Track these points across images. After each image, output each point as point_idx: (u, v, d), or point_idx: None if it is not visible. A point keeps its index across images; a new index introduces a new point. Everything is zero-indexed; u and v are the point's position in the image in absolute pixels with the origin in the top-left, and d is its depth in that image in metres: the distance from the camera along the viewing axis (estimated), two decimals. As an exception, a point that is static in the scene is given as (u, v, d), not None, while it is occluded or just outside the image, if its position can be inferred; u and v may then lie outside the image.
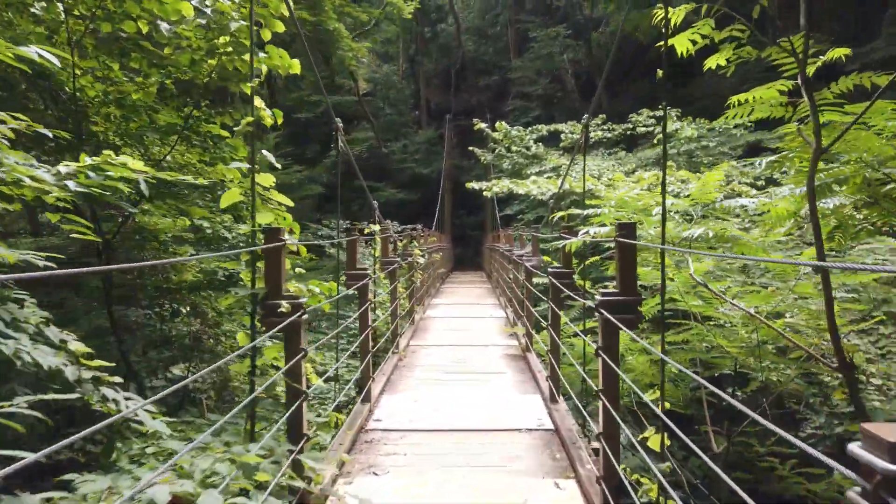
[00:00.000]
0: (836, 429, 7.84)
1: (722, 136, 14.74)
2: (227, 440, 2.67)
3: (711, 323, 5.89)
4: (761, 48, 2.89)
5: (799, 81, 3.03)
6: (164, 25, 4.29)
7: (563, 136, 16.36)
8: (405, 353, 6.81)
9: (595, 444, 3.92)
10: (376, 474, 3.46)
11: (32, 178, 2.23)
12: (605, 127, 15.94)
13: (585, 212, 4.68)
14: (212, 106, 5.08)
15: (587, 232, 4.05)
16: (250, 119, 2.87)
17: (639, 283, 3.68)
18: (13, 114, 2.48)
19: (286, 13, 4.17)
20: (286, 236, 4.58)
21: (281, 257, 2.69)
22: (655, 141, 14.26)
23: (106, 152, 2.49)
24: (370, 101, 29.63)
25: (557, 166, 14.98)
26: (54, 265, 2.59)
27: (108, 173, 2.43)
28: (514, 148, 16.98)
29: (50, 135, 2.65)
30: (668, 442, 2.64)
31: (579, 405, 4.31)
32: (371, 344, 4.87)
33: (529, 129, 17.24)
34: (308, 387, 2.88)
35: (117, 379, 3.11)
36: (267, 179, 2.93)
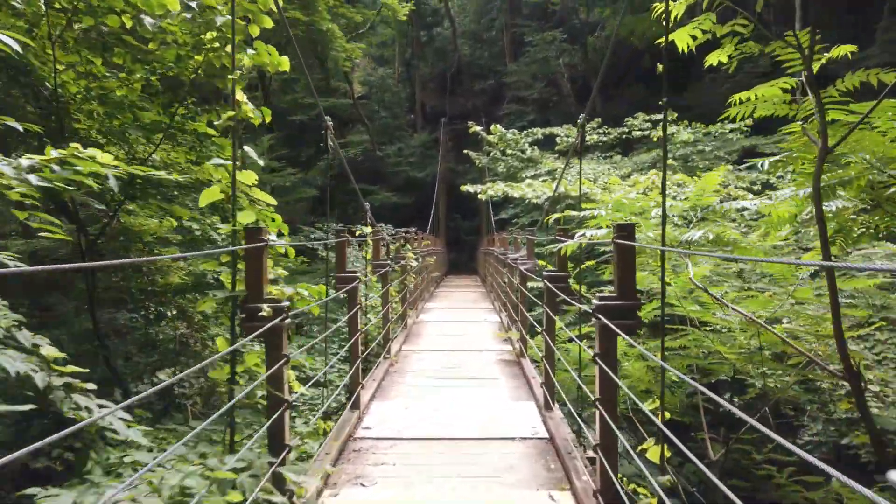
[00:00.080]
0: (832, 435, 7.75)
1: (717, 141, 14.70)
2: (204, 451, 2.52)
3: (708, 328, 5.78)
4: (764, 44, 2.79)
5: (803, 79, 2.93)
6: (148, 20, 4.16)
7: (558, 139, 16.29)
8: (397, 358, 6.67)
9: (591, 454, 3.80)
10: (364, 485, 3.32)
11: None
12: (600, 130, 15.88)
13: (582, 214, 4.57)
14: (198, 103, 4.94)
15: (583, 234, 3.93)
16: (231, 113, 2.74)
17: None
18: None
19: (275, 9, 4.05)
20: (273, 237, 4.45)
21: (262, 258, 2.56)
22: (655, 139, 14.18)
23: (73, 145, 2.35)
24: (365, 104, 29.53)
25: (553, 170, 14.90)
26: (21, 265, 2.44)
27: (77, 168, 2.30)
28: (509, 151, 16.90)
29: (20, 128, 2.51)
30: (668, 454, 2.52)
31: (575, 413, 4.19)
32: (361, 349, 4.73)
33: (525, 132, 17.16)
34: (291, 395, 2.74)
35: (91, 386, 2.97)
36: (249, 177, 2.79)
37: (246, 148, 2.94)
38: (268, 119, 3.81)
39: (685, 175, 8.92)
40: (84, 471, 3.07)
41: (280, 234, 4.70)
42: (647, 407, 2.54)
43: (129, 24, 4.26)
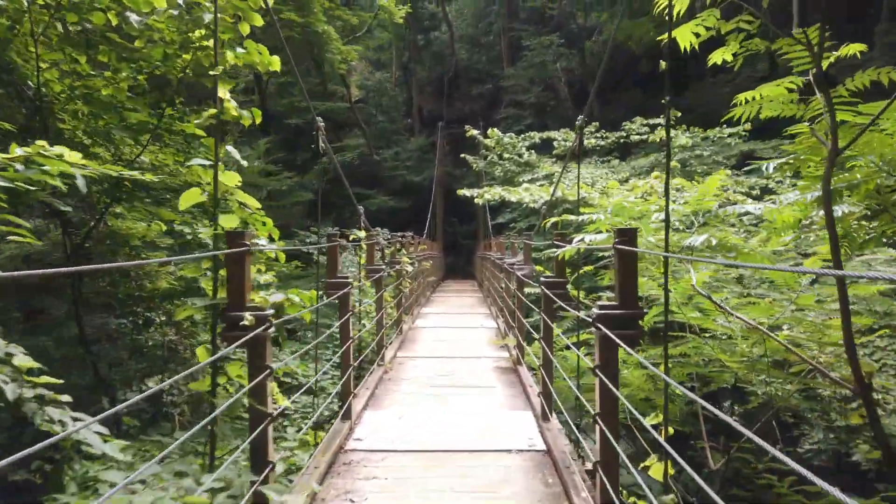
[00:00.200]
0: (832, 443, 7.63)
1: (716, 146, 14.63)
2: (180, 470, 2.38)
3: (707, 335, 5.66)
4: (771, 41, 2.68)
5: (811, 78, 2.81)
6: (133, 17, 4.03)
7: (555, 143, 16.20)
8: (391, 365, 6.53)
9: (590, 466, 3.66)
10: (353, 501, 3.18)
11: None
12: (598, 135, 15.80)
13: (580, 218, 4.45)
14: (187, 103, 4.81)
15: (582, 239, 3.81)
16: (213, 112, 2.61)
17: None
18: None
19: (264, 5, 3.92)
20: (263, 242, 4.31)
21: (245, 264, 2.42)
22: (659, 139, 14.08)
23: (39, 142, 2.22)
24: (362, 108, 29.43)
25: (550, 174, 14.80)
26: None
27: (45, 167, 2.17)
28: (506, 155, 16.81)
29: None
30: (671, 471, 2.39)
31: (573, 425, 4.05)
32: (354, 356, 4.59)
33: (522, 136, 17.07)
34: (275, 407, 2.60)
35: (65, 398, 2.83)
36: (232, 179, 2.66)
37: (229, 148, 2.81)
38: (258, 120, 3.68)
39: (684, 180, 8.82)
40: (60, 485, 2.92)
41: (271, 239, 4.57)
42: (648, 422, 2.41)
43: (114, 22, 4.13)
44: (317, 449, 3.84)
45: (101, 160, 5.04)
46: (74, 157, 2.31)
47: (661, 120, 14.65)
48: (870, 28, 15.87)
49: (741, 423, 6.55)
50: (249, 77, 24.83)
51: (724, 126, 14.37)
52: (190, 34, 4.21)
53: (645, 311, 2.45)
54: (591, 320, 2.60)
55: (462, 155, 19.67)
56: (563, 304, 4.13)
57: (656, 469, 2.42)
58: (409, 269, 8.60)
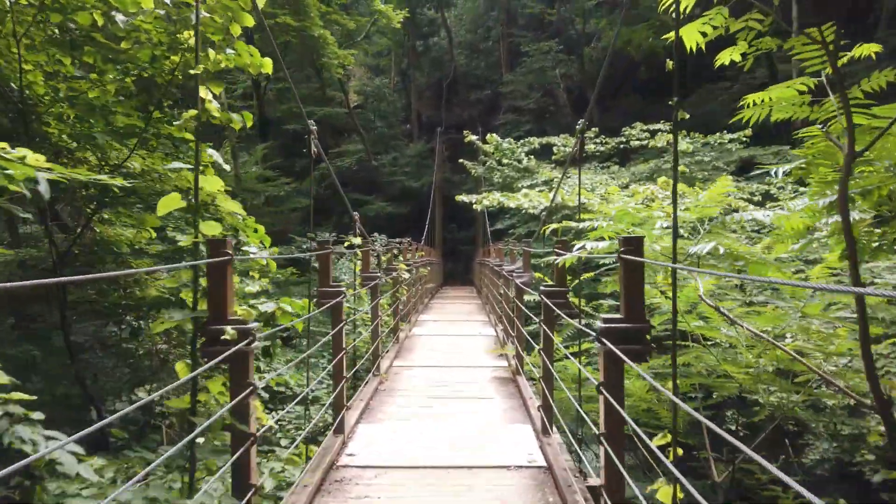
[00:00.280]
0: (836, 452, 7.48)
1: (716, 151, 14.54)
2: (155, 496, 2.22)
3: (709, 342, 5.52)
4: (783, 40, 2.55)
5: (823, 79, 2.68)
6: (120, 17, 3.90)
7: (555, 148, 16.09)
8: (387, 375, 6.37)
9: (592, 482, 3.50)
10: (343, 523, 3.02)
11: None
12: (597, 140, 15.70)
13: (581, 225, 4.31)
14: (177, 106, 4.68)
15: (583, 247, 3.67)
16: (193, 113, 2.47)
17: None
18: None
19: (261, 2, 3.80)
20: (254, 249, 4.16)
21: (226, 275, 2.28)
22: (666, 143, 13.97)
23: (0, 144, 2.08)
24: (361, 113, 29.35)
25: (549, 180, 14.68)
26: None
27: (8, 171, 2.03)
28: (505, 161, 16.69)
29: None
30: (680, 495, 2.24)
31: (573, 439, 3.90)
32: (349, 367, 4.44)
33: (521, 142, 16.97)
34: (260, 425, 2.45)
35: (37, 415, 2.67)
36: (214, 183, 2.52)
37: (211, 151, 2.67)
38: (249, 124, 3.55)
39: (685, 185, 8.69)
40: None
41: (270, 245, 4.42)
42: (656, 443, 2.26)
43: (100, 22, 4.00)
44: (307, 465, 3.68)
45: (88, 165, 4.90)
46: (38, 159, 2.17)
47: (661, 125, 14.55)
48: (869, 29, 15.83)
49: (746, 433, 6.38)
50: (248, 83, 24.78)
51: (725, 132, 14.29)
52: (178, 35, 4.09)
53: (652, 326, 2.30)
54: (594, 334, 2.46)
55: (461, 161, 19.56)
56: (563, 315, 3.99)
57: (664, 493, 2.27)
58: (406, 276, 8.44)
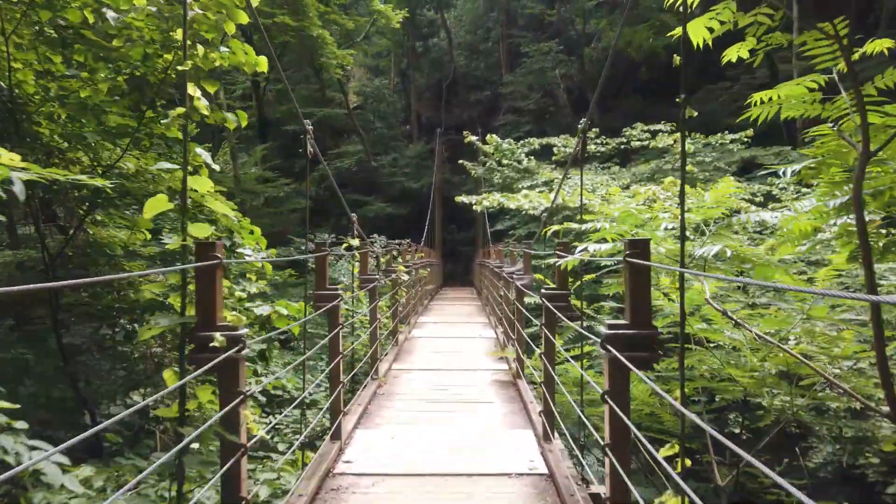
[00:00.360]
0: (838, 454, 7.39)
1: (717, 152, 14.45)
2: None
3: (711, 344, 5.44)
4: (790, 35, 2.45)
5: (835, 76, 2.59)
6: (111, 14, 3.81)
7: (555, 149, 16.00)
8: (386, 378, 6.27)
9: (595, 489, 3.41)
10: (339, 534, 2.93)
11: None
12: (598, 141, 15.62)
13: (584, 227, 4.22)
14: (169, 106, 4.59)
15: (586, 249, 3.58)
16: (181, 111, 2.38)
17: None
18: None
19: (255, 1, 3.71)
20: (249, 251, 4.06)
21: (215, 279, 2.19)
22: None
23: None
24: (360, 114, 29.26)
25: (550, 180, 14.59)
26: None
27: (-16, 171, 1.94)
28: (505, 161, 16.60)
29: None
30: (689, 508, 2.15)
31: (573, 444, 3.82)
32: (347, 371, 4.35)
33: (521, 142, 16.88)
34: (249, 438, 2.35)
35: (21, 425, 2.58)
36: (203, 184, 2.43)
37: (200, 150, 2.58)
38: (244, 123, 3.46)
39: (687, 186, 8.59)
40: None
41: (260, 249, 4.33)
42: (662, 454, 2.17)
43: (91, 20, 3.91)
44: (303, 473, 3.58)
45: (81, 165, 4.81)
46: (12, 158, 2.08)
47: (662, 126, 14.46)
48: (870, 30, 15.77)
49: (748, 437, 6.28)
50: (247, 84, 24.70)
51: (726, 132, 14.21)
52: (171, 33, 4.00)
53: (660, 331, 2.21)
54: (598, 339, 2.37)
55: (460, 161, 19.47)
56: (564, 319, 3.90)
57: (672, 505, 2.18)
58: (406, 277, 8.35)
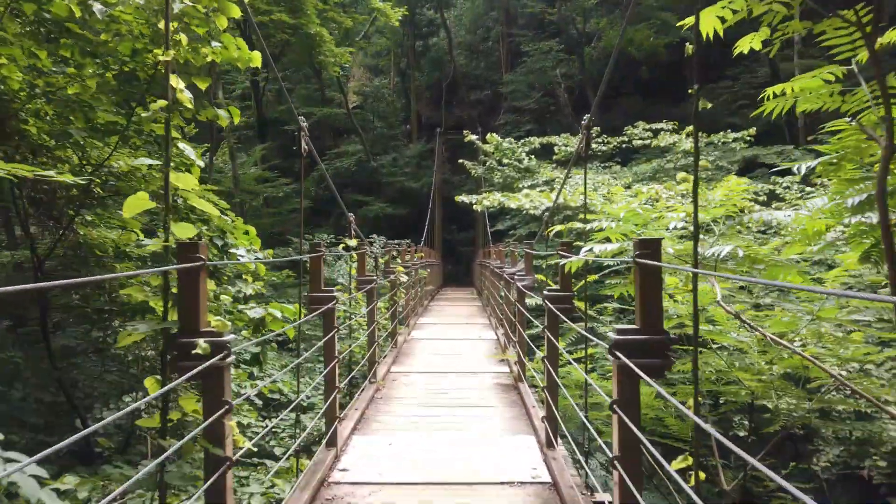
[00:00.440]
0: (843, 456, 7.28)
1: (719, 151, 14.33)
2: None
3: (715, 345, 5.32)
4: (815, 22, 2.32)
5: (854, 66, 2.46)
6: (98, 6, 3.68)
7: (556, 148, 15.86)
8: (384, 382, 6.14)
9: (599, 497, 3.28)
10: (333, 549, 2.79)
11: None
12: (599, 140, 15.49)
13: (588, 226, 4.08)
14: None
15: (590, 250, 3.44)
16: (162, 104, 2.25)
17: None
18: None
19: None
20: (242, 253, 3.92)
21: (199, 282, 2.06)
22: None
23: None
24: (360, 114, 29.13)
25: (550, 180, 14.46)
26: None
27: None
28: (505, 161, 16.47)
29: None
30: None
31: (577, 449, 3.68)
32: (343, 374, 4.22)
33: (521, 141, 16.74)
34: (235, 451, 2.22)
35: (-3, 435, 2.45)
36: (188, 181, 2.30)
37: (182, 146, 2.46)
38: (236, 119, 3.33)
39: (692, 185, 8.46)
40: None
41: (254, 249, 4.20)
42: (674, 467, 2.04)
43: (77, 13, 3.78)
44: (296, 482, 3.45)
45: (70, 164, 4.68)
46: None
47: (663, 125, 14.33)
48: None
49: (753, 440, 6.14)
50: (246, 84, 24.57)
51: (728, 130, 14.09)
52: (161, 27, 3.87)
53: (674, 336, 2.08)
54: (603, 342, 2.24)
55: (460, 161, 19.34)
56: (568, 321, 3.77)
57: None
58: (404, 278, 8.22)
